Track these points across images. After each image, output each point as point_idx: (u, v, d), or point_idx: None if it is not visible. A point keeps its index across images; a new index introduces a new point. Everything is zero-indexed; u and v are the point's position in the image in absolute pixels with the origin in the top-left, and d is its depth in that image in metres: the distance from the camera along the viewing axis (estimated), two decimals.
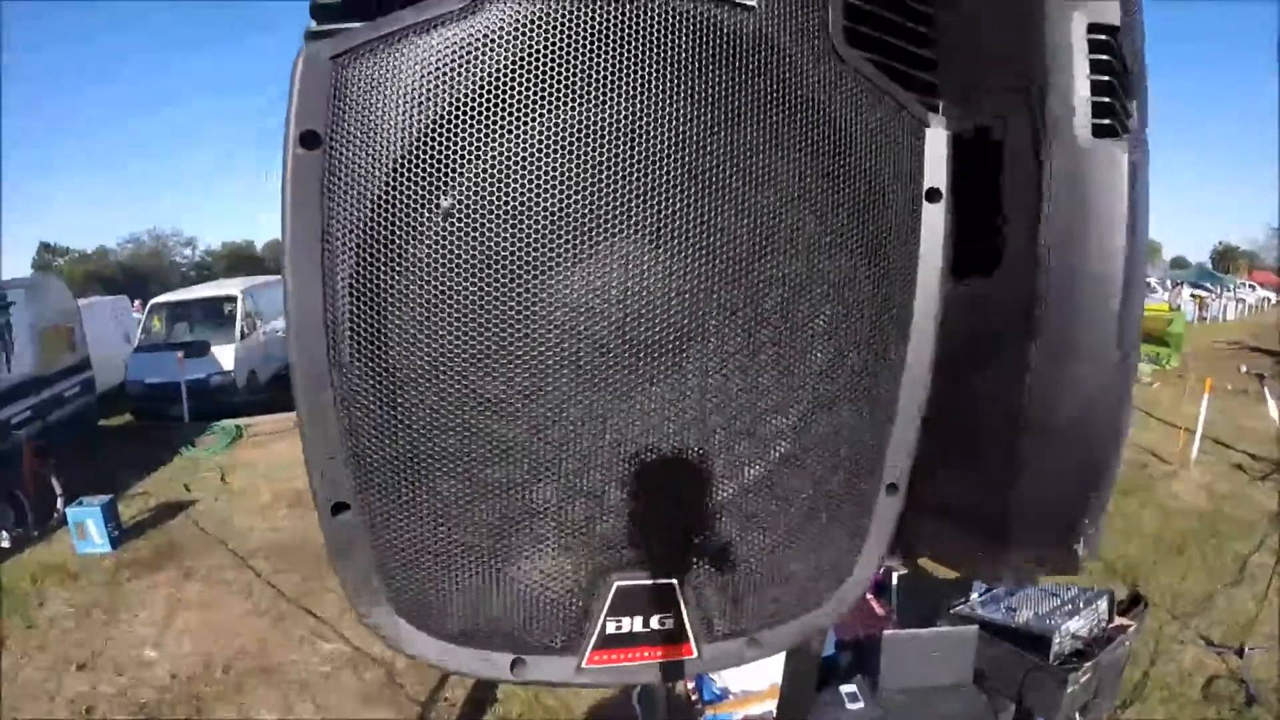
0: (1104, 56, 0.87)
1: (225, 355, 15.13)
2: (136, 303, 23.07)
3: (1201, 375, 20.96)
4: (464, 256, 0.69)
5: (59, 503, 9.24)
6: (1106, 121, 0.87)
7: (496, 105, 0.67)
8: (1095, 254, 0.88)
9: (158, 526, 9.37)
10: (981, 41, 0.90)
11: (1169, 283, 47.90)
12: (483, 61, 0.66)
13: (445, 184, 0.68)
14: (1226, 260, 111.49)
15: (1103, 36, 0.87)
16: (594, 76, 0.68)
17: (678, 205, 0.73)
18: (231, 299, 16.50)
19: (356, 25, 0.66)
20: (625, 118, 0.70)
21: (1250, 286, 60.26)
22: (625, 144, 0.70)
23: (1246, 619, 7.27)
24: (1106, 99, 0.87)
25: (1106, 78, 0.87)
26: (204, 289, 19.06)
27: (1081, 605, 5.03)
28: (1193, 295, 42.49)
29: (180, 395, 13.89)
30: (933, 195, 0.84)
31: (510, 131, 0.68)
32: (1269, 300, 57.53)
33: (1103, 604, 5.17)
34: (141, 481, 10.96)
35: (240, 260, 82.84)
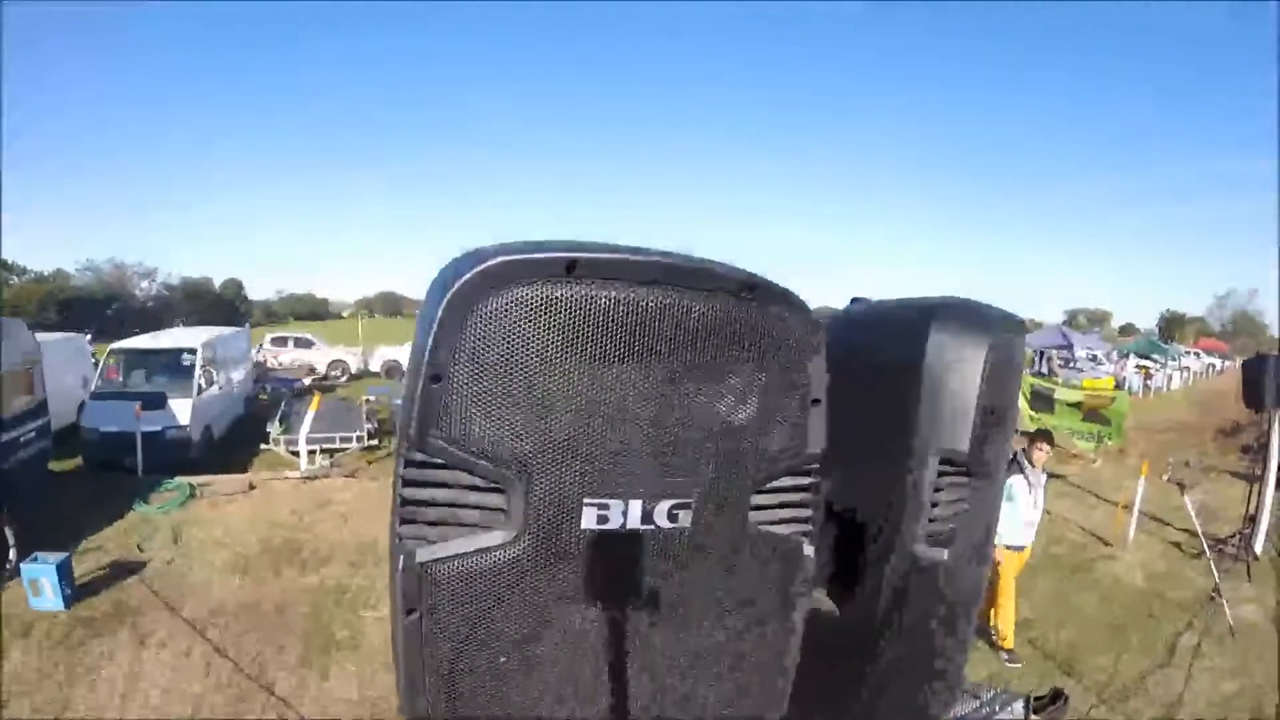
0: (949, 480, 1.26)
1: (182, 409, 15.05)
2: (88, 335, 22.94)
3: (1143, 452, 21.65)
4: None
5: (11, 554, 9.26)
6: (942, 532, 1.26)
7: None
8: (920, 627, 1.27)
9: (111, 587, 9.36)
10: (864, 470, 1.30)
11: (1115, 354, 49.56)
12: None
13: None
14: (1174, 327, 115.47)
15: (952, 468, 1.26)
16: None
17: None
18: (191, 351, 16.48)
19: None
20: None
21: (1196, 354, 62.68)
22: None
23: (1174, 700, 7.64)
24: (943, 515, 1.25)
25: (950, 498, 1.26)
26: (164, 338, 18.94)
27: (998, 708, 5.44)
28: (1138, 367, 44.14)
29: (134, 446, 13.84)
30: (803, 590, 1.24)
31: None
32: (1214, 367, 59.64)
33: (1019, 705, 5.57)
34: (93, 536, 10.93)
35: (198, 295, 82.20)
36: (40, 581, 8.60)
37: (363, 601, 8.72)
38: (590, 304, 0.98)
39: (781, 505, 1.19)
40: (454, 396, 0.98)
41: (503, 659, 1.09)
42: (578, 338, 0.99)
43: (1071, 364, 39.48)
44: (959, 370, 1.25)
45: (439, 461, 1.01)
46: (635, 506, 1.06)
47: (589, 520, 1.05)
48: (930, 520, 1.26)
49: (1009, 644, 8.27)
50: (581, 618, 1.11)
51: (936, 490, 1.26)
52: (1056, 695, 6.65)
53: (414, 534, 1.04)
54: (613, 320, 1.00)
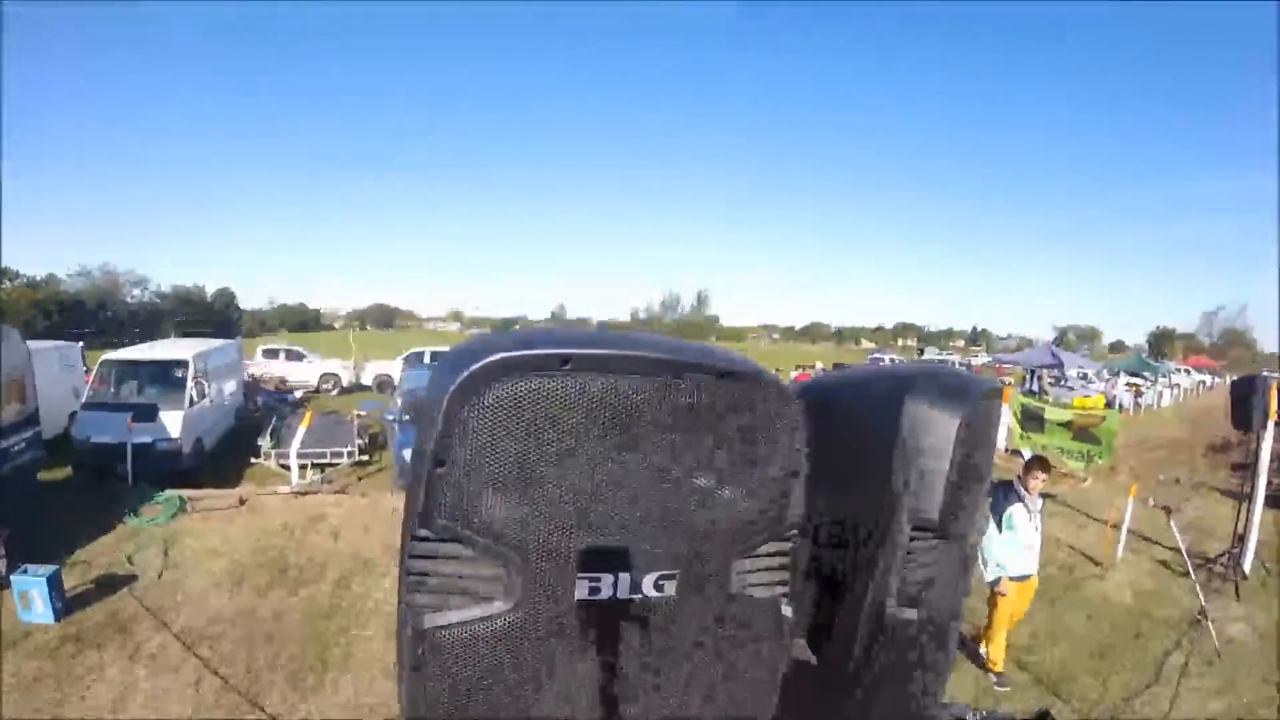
0: (920, 544, 1.35)
1: (173, 421, 15.15)
2: (80, 343, 22.95)
3: (1134, 469, 21.73)
4: None
5: (1, 565, 9.33)
6: (914, 593, 1.35)
7: None
8: (892, 679, 1.36)
9: (101, 601, 9.43)
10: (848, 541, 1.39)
11: (1105, 372, 49.99)
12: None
13: None
14: (1163, 343, 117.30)
15: (923, 533, 1.35)
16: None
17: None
18: (183, 364, 16.56)
19: None
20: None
21: (1186, 371, 63.43)
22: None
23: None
24: (914, 578, 1.34)
25: (922, 561, 1.35)
26: (156, 349, 18.92)
27: None
28: (1128, 385, 44.62)
29: (125, 457, 13.91)
30: (782, 647, 1.33)
31: None
32: (1204, 383, 60.30)
33: None
34: (83, 548, 10.99)
35: (190, 303, 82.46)
36: (31, 594, 8.68)
37: (354, 620, 8.78)
38: (582, 394, 1.08)
39: (762, 569, 1.28)
40: (456, 480, 1.07)
41: (502, 713, 1.18)
42: (570, 425, 1.08)
43: (1062, 382, 39.85)
44: (932, 441, 1.34)
45: (443, 538, 1.09)
46: (624, 579, 1.15)
47: (581, 591, 1.14)
48: (902, 581, 1.35)
49: (999, 667, 8.40)
50: (575, 679, 1.19)
51: (908, 553, 1.34)
52: (1042, 716, 6.77)
53: (420, 602, 1.13)
54: (603, 408, 1.09)
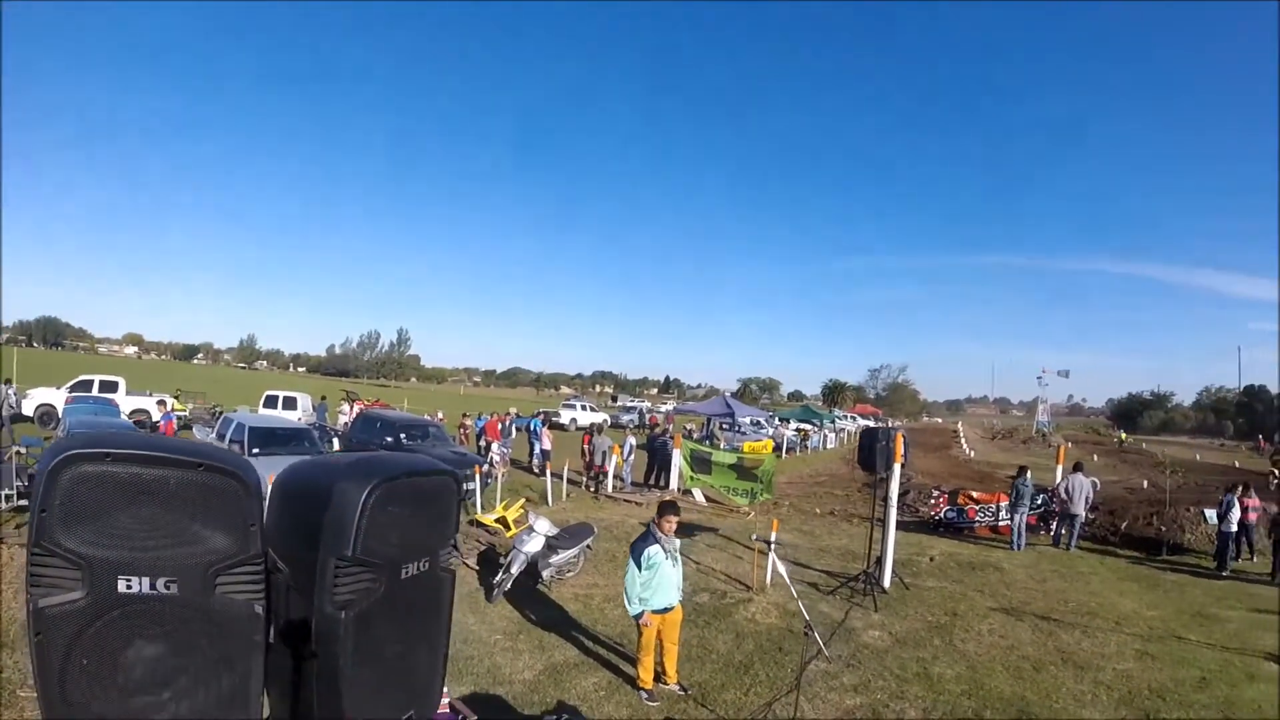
0: (342, 569, 2.44)
1: None
2: None
3: (795, 504, 24.67)
4: None
5: None
6: (341, 601, 2.43)
7: None
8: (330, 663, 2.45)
9: None
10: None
11: (776, 420, 56.32)
12: None
13: None
14: (835, 394, 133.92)
15: (343, 561, 2.43)
16: None
17: None
18: None
19: None
20: None
21: (852, 418, 73.00)
22: None
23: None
24: (341, 590, 2.44)
25: (345, 580, 2.44)
26: None
27: None
28: (797, 430, 51.01)
29: None
30: (258, 634, 2.36)
31: None
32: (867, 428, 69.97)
33: None
34: None
35: None
36: None
37: (19, 682, 8.52)
38: (117, 475, 2.09)
39: (238, 580, 2.32)
40: (53, 518, 2.04)
41: (87, 673, 2.11)
42: (113, 491, 2.08)
43: (736, 429, 44.15)
44: (347, 504, 2.44)
45: (46, 551, 2.04)
46: (145, 580, 2.16)
47: (123, 587, 2.13)
48: (333, 592, 2.40)
49: (648, 685, 9.63)
50: (119, 640, 2.15)
51: (336, 574, 2.40)
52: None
53: (36, 590, 2.04)
54: (129, 483, 2.10)
